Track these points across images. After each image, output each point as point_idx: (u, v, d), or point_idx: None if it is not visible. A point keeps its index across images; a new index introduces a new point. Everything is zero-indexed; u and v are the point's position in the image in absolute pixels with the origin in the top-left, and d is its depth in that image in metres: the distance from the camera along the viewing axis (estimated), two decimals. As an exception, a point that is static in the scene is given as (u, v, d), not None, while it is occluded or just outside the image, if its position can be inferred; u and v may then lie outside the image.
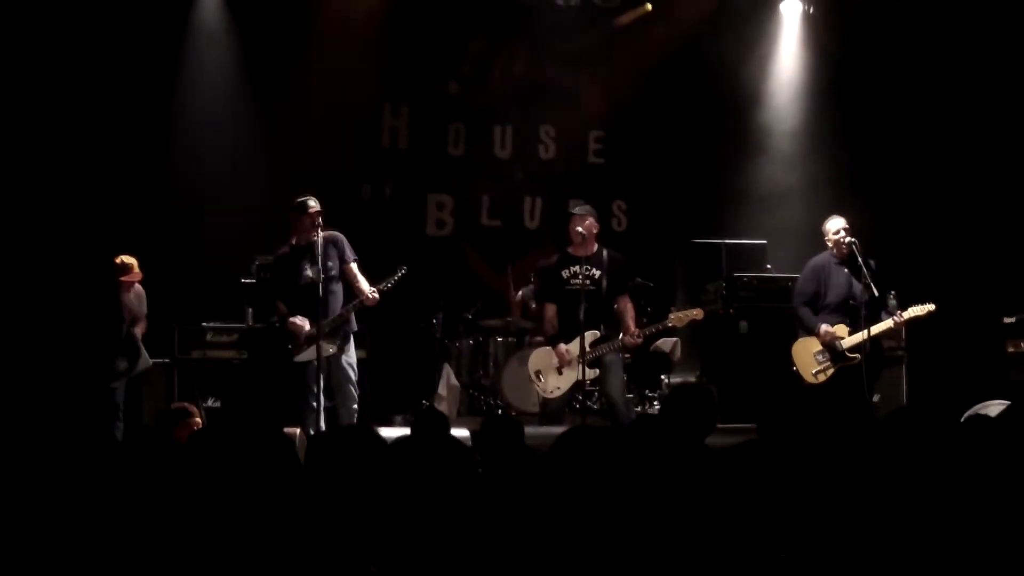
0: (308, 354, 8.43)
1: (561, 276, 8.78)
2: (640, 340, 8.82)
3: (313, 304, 8.33)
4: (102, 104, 10.88)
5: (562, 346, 8.67)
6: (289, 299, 8.58)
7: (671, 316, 8.93)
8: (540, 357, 8.86)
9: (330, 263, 8.45)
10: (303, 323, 8.44)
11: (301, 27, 11.75)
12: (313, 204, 8.50)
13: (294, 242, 8.61)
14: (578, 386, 8.70)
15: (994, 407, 8.44)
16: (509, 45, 12.64)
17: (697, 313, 8.89)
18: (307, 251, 8.49)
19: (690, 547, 3.18)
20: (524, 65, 12.65)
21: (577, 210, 8.98)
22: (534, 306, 10.60)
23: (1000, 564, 2.80)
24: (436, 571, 3.27)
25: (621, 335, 8.70)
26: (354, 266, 8.61)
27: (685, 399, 5.09)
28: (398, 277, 8.57)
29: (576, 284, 8.67)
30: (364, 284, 8.55)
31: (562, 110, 12.75)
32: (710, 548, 3.17)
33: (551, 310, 8.88)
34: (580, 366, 8.51)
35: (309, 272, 8.45)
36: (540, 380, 8.76)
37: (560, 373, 8.69)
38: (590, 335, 8.57)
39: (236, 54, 11.62)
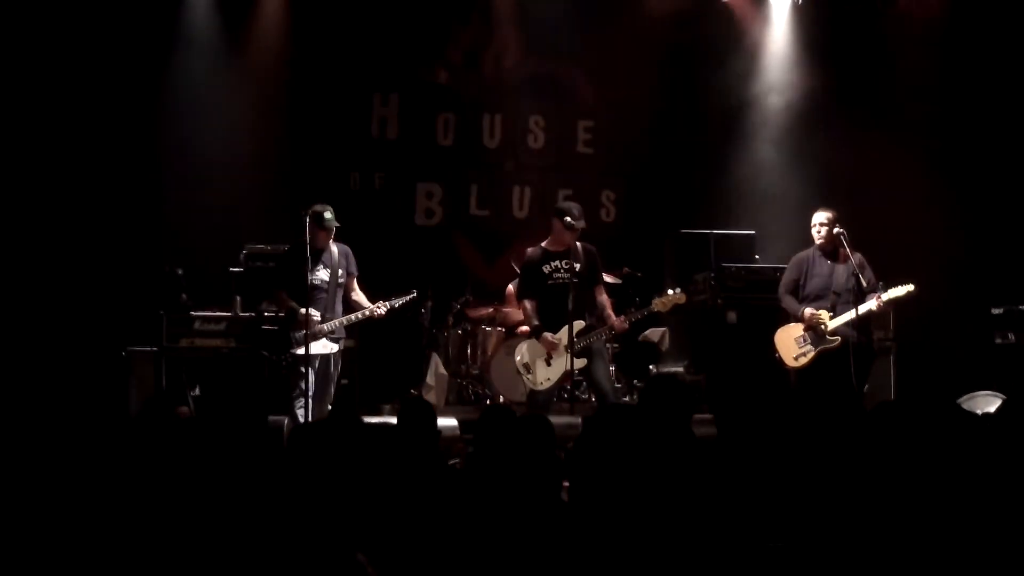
0: (313, 347, 8.74)
1: (542, 271, 8.89)
2: (627, 326, 8.96)
3: (320, 305, 8.82)
4: (91, 92, 10.83)
5: (548, 334, 8.74)
6: (296, 295, 8.81)
7: (655, 301, 8.96)
8: (527, 350, 8.91)
9: (340, 271, 8.98)
10: (316, 315, 8.77)
11: (292, 16, 11.71)
12: (331, 217, 8.88)
13: (309, 244, 8.76)
14: (567, 376, 8.76)
15: (981, 398, 8.54)
16: (499, 35, 12.59)
17: (680, 297, 8.94)
18: (320, 254, 8.91)
19: (680, 537, 3.18)
20: (514, 55, 12.62)
21: (567, 205, 9.09)
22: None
23: (991, 553, 2.81)
24: (425, 558, 3.27)
25: (608, 324, 8.78)
26: (354, 280, 9.14)
27: (661, 390, 5.11)
28: (408, 299, 9.10)
29: (559, 278, 8.80)
30: (360, 296, 9.08)
31: (551, 100, 12.73)
32: (700, 538, 3.17)
33: (531, 306, 8.94)
34: (568, 357, 8.58)
35: (321, 274, 8.90)
36: (529, 372, 8.82)
37: (549, 364, 8.76)
38: (576, 325, 8.66)
39: (226, 43, 11.57)
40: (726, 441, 4.31)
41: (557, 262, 8.85)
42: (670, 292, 8.99)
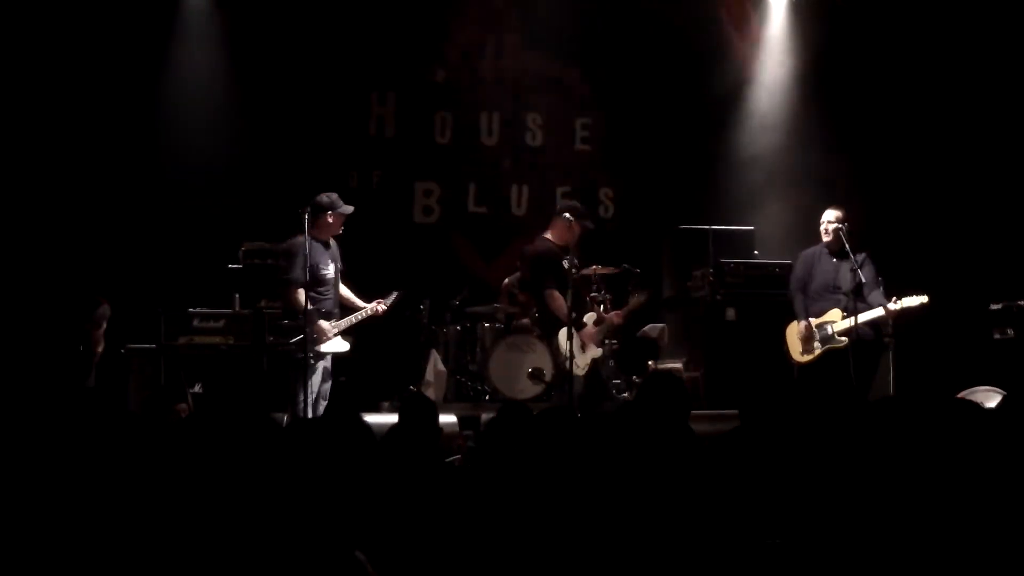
0: (329, 346, 8.61)
1: (563, 266, 9.09)
2: (622, 321, 9.63)
3: (330, 301, 8.66)
4: (88, 89, 10.83)
5: (588, 324, 9.30)
6: (310, 291, 8.53)
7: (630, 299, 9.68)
8: (567, 339, 9.12)
9: (338, 264, 8.76)
10: (328, 327, 8.56)
11: (290, 13, 11.69)
12: (346, 208, 8.68)
13: (314, 238, 8.51)
14: (595, 363, 9.38)
15: (980, 393, 8.53)
16: (496, 32, 12.59)
17: (641, 297, 9.62)
18: (324, 248, 8.63)
19: (681, 534, 3.18)
20: (511, 52, 12.61)
21: (574, 204, 9.65)
22: (518, 292, 10.69)
23: (991, 547, 2.81)
24: (425, 556, 3.27)
25: (611, 315, 9.47)
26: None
27: (657, 387, 5.12)
28: (395, 298, 8.94)
29: (575, 274, 9.11)
30: (346, 291, 8.90)
31: (549, 97, 12.73)
32: (701, 535, 3.17)
33: (560, 297, 9.15)
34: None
35: (330, 269, 8.64)
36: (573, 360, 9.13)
37: (583, 351, 9.17)
38: (590, 317, 9.32)
39: (223, 40, 11.57)
40: (726, 436, 4.31)
41: (567, 259, 9.07)
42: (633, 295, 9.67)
